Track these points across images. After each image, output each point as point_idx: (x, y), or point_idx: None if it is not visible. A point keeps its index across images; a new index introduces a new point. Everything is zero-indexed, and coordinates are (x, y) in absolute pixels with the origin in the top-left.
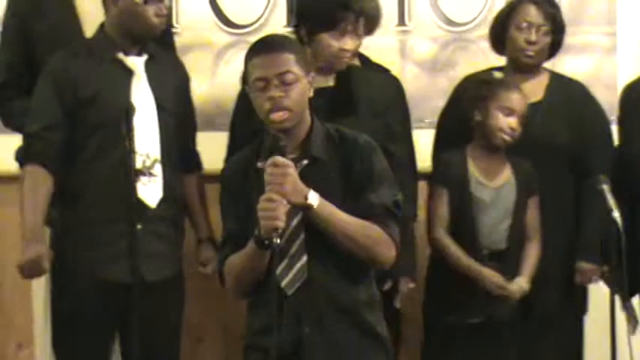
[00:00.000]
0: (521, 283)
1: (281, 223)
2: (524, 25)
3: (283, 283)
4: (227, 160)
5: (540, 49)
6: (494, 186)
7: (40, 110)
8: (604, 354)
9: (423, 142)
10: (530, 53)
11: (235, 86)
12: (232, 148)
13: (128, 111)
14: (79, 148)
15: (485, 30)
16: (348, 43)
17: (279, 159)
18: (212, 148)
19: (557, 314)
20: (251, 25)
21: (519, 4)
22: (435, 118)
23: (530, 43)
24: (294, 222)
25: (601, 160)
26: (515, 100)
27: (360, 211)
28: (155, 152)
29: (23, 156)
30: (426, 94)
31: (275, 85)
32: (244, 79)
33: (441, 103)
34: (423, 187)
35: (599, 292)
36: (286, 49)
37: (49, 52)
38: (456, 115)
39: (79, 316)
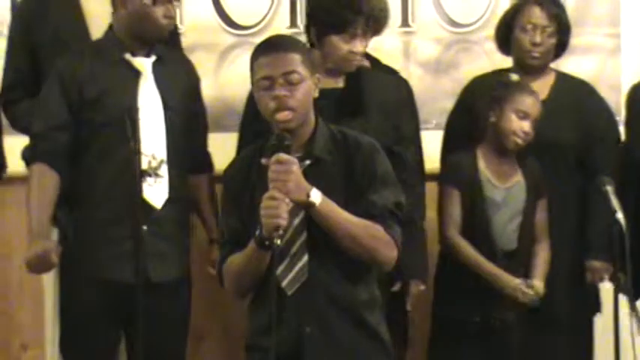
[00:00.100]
0: (537, 287)
1: (283, 222)
2: (529, 26)
3: (284, 283)
4: None
5: (545, 51)
6: (505, 186)
7: (46, 110)
8: (608, 354)
9: (426, 143)
10: (536, 55)
11: (239, 87)
12: (241, 150)
13: (132, 111)
14: (85, 148)
15: (488, 31)
16: (358, 46)
17: (283, 156)
18: (216, 149)
19: (567, 314)
20: (255, 26)
21: (524, 6)
22: (438, 119)
23: (535, 44)
24: (296, 221)
25: (606, 160)
26: (530, 103)
27: (362, 212)
28: (161, 153)
29: (29, 155)
30: (430, 95)
31: (280, 85)
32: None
33: (444, 104)
34: (428, 187)
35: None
36: (292, 49)
37: (55, 54)
38: (465, 117)
39: (85, 316)
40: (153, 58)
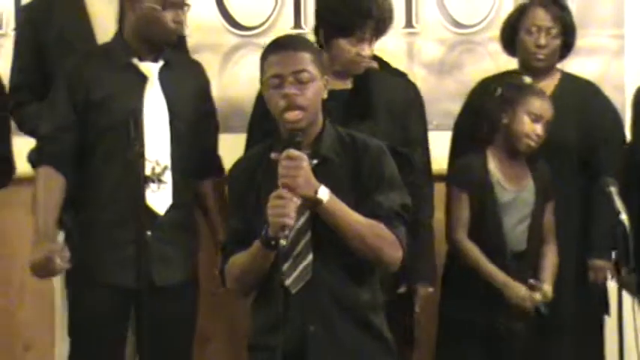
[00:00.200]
0: (546, 291)
1: (290, 221)
2: (534, 28)
3: (287, 282)
4: None
5: (550, 52)
6: (515, 189)
7: (53, 112)
8: (612, 353)
9: (430, 144)
10: (541, 57)
11: (243, 88)
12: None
13: (136, 112)
14: (91, 151)
15: (492, 32)
16: (366, 50)
17: (294, 151)
18: (220, 150)
19: (573, 315)
20: (258, 27)
21: (528, 8)
22: (441, 121)
23: (539, 46)
24: (301, 220)
25: (610, 161)
26: (543, 106)
27: (368, 212)
28: (165, 159)
29: (35, 157)
30: (433, 97)
31: (290, 83)
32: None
33: (447, 105)
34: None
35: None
36: (303, 48)
37: (61, 56)
38: (473, 119)
39: (90, 320)
40: (160, 63)
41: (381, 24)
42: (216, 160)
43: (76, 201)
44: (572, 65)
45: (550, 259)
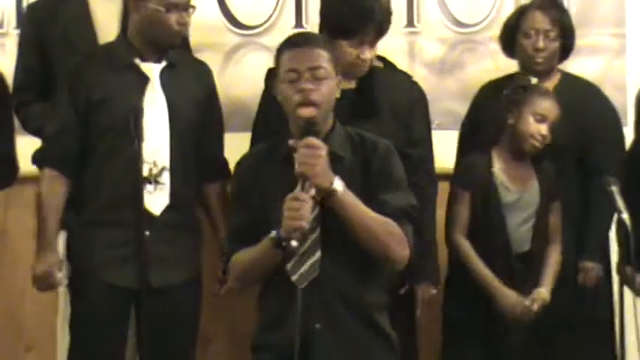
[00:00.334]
0: (542, 295)
1: (305, 224)
2: (532, 31)
3: (294, 278)
4: None
5: (549, 55)
6: (519, 189)
7: (56, 113)
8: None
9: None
10: (539, 60)
11: (244, 87)
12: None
13: (136, 110)
14: (92, 151)
15: (493, 31)
16: (366, 53)
17: (313, 140)
18: None
19: (577, 315)
20: (260, 26)
21: (525, 11)
22: (442, 120)
23: (537, 49)
24: (311, 217)
25: (610, 161)
26: (548, 107)
27: (376, 211)
28: (164, 160)
29: (40, 159)
30: (434, 96)
31: (306, 79)
32: (267, 81)
33: (449, 104)
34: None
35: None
36: (320, 45)
37: (64, 56)
38: (479, 119)
39: (90, 320)
40: (163, 64)
41: (382, 26)
42: (223, 164)
43: (77, 200)
44: (573, 65)
45: (553, 259)
